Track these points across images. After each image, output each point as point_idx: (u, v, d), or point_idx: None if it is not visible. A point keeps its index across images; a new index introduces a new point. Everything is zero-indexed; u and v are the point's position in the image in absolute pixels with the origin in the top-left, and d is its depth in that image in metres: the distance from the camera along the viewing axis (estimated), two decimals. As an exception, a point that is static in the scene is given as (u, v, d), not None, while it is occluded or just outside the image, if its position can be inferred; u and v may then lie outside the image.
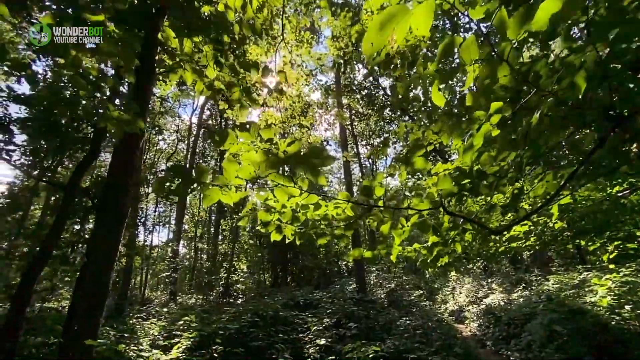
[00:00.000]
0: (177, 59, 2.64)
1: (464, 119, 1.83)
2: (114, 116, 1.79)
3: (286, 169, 1.58)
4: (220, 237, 21.35)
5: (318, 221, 1.90)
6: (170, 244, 20.19)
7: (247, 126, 1.20)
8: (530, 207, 3.08)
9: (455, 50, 1.06)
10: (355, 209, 1.80)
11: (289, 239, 1.99)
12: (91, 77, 2.27)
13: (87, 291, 4.05)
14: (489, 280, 13.43)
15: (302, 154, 1.34)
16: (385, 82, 18.88)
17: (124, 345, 4.87)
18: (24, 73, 2.02)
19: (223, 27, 2.35)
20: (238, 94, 2.90)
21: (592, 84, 1.16)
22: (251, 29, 2.73)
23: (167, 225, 29.51)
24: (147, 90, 4.16)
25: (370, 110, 16.71)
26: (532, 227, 3.67)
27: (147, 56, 4.44)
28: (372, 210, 1.80)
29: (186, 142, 23.81)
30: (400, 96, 2.56)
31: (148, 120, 14.73)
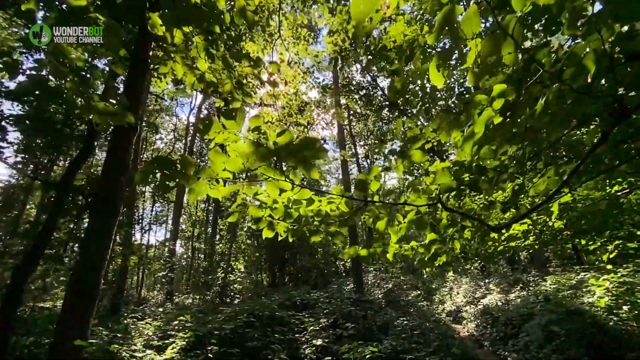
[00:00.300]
0: (167, 50, 2.57)
1: (463, 115, 1.77)
2: (98, 107, 1.72)
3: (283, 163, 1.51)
4: (217, 236, 21.25)
5: (312, 217, 1.83)
6: (167, 244, 20.07)
7: (233, 113, 1.13)
8: (530, 207, 3.03)
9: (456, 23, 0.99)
10: (350, 204, 1.73)
11: (281, 236, 1.92)
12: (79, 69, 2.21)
13: (77, 290, 3.97)
14: (487, 280, 13.41)
15: (293, 145, 1.27)
16: (384, 83, 18.86)
17: (116, 346, 4.78)
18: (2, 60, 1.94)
19: (214, 16, 2.28)
20: (230, 86, 2.82)
21: (599, 70, 1.10)
22: (243, 18, 2.66)
23: (164, 225, 29.37)
24: (140, 84, 4.09)
25: (368, 111, 16.68)
26: (531, 227, 3.62)
27: (140, 50, 4.37)
28: (367, 205, 1.73)
29: (183, 141, 23.72)
30: (397, 91, 2.50)
31: (145, 118, 14.61)
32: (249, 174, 1.40)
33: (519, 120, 1.67)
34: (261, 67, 3.08)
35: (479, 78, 1.13)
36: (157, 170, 1.32)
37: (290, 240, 1.96)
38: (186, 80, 2.78)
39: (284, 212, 1.73)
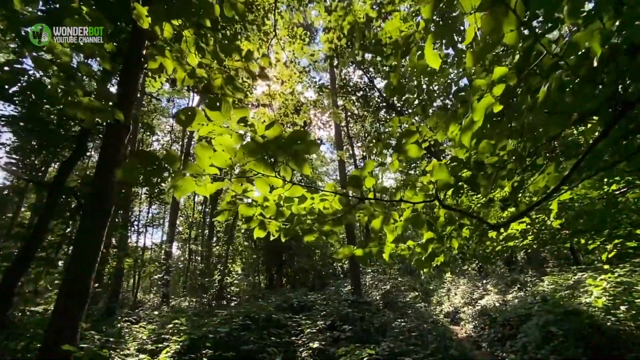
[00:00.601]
0: (157, 45, 2.51)
1: (460, 109, 1.71)
2: (83, 103, 1.65)
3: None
4: (214, 238, 21.09)
5: (304, 216, 1.77)
6: (163, 246, 19.89)
7: (217, 104, 1.07)
8: (529, 205, 2.98)
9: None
10: (344, 202, 1.67)
11: (273, 236, 1.85)
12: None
13: (70, 290, 3.88)
14: (484, 281, 13.39)
15: (283, 139, 1.21)
16: (381, 84, 18.90)
17: (107, 350, 4.68)
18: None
19: (204, 8, 2.22)
20: (220, 81, 2.76)
21: (602, 57, 1.05)
22: (233, 10, 2.59)
23: (161, 227, 29.15)
24: (133, 82, 4.02)
25: (365, 112, 16.67)
26: (529, 226, 3.57)
27: (133, 48, 4.30)
28: (362, 203, 1.67)
29: (180, 143, 23.60)
30: (394, 88, 2.45)
31: (139, 119, 14.48)
32: (238, 169, 1.34)
33: (516, 114, 1.63)
34: (252, 61, 3.02)
35: (478, 58, 1.08)
36: (140, 166, 1.25)
37: (283, 240, 1.89)
38: (176, 76, 2.72)
39: (276, 210, 1.67)
